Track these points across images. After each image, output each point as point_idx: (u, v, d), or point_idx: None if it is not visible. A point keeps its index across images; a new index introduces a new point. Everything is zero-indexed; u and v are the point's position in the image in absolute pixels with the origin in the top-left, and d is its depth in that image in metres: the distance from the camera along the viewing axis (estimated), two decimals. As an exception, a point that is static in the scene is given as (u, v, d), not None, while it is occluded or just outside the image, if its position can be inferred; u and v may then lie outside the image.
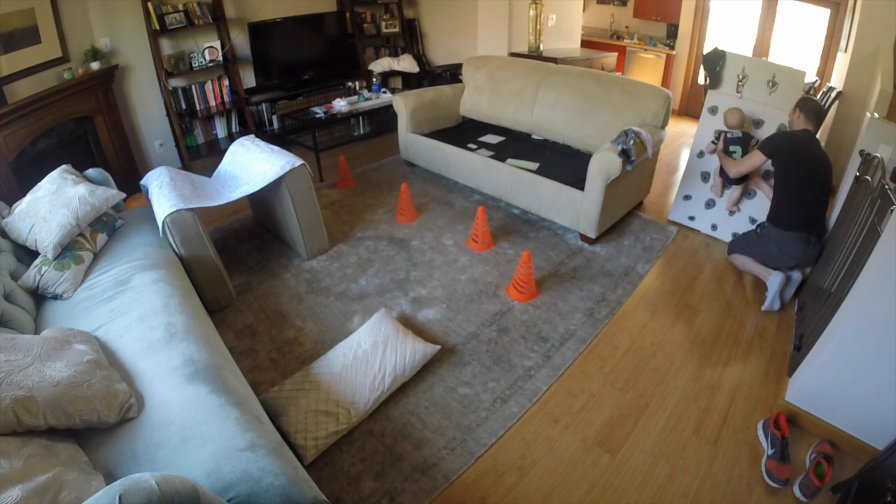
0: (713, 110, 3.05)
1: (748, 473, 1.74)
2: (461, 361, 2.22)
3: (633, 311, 2.57)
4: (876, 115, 2.64)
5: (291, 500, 1.19)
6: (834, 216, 2.68)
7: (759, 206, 2.94)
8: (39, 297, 2.06)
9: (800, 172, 2.41)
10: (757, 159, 2.58)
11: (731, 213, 3.10)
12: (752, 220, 2.99)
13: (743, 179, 2.91)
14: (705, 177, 3.18)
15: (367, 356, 2.02)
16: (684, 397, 2.06)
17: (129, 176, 3.70)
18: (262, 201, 3.04)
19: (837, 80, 4.01)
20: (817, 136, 2.49)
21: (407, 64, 5.31)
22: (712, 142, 2.98)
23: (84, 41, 3.45)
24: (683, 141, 4.96)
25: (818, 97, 3.84)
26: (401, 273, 2.83)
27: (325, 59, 4.93)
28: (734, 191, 3.01)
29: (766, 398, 2.05)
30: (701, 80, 5.64)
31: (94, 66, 3.44)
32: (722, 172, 2.95)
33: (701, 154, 3.15)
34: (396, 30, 5.35)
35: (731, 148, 2.85)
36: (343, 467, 1.76)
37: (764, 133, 2.84)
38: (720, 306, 2.61)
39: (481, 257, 2.98)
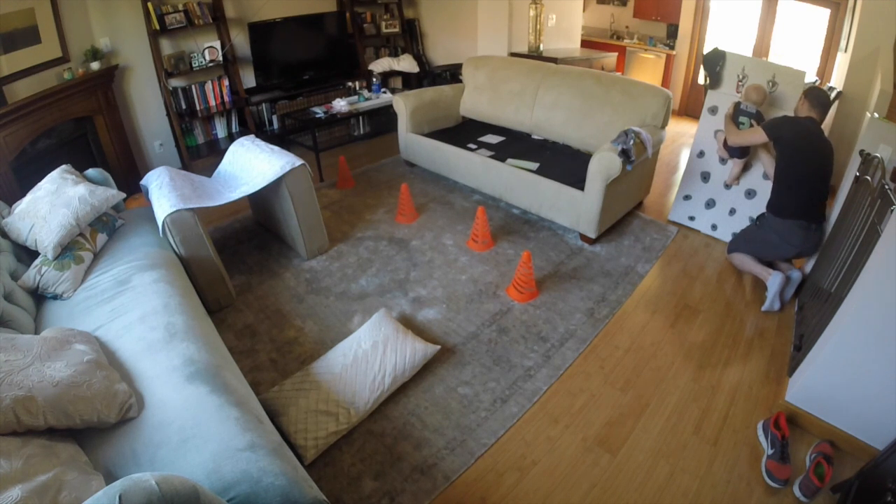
0: (713, 110, 3.05)
1: (748, 473, 1.75)
2: (461, 361, 2.22)
3: (633, 311, 2.57)
4: (876, 115, 2.64)
5: (291, 500, 1.19)
6: (834, 216, 2.67)
7: (760, 206, 2.93)
8: (39, 297, 2.06)
9: (802, 162, 2.41)
10: (758, 136, 2.56)
11: (729, 187, 3.07)
12: (752, 220, 2.99)
13: (745, 153, 2.88)
14: (705, 177, 3.18)
15: (367, 356, 2.02)
16: (684, 397, 2.06)
17: (129, 176, 3.70)
18: (262, 201, 3.04)
19: (837, 79, 4.01)
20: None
21: (407, 64, 5.31)
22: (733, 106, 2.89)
23: (84, 41, 3.45)
24: (683, 141, 4.96)
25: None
26: (401, 273, 2.83)
27: (325, 59, 4.93)
28: (735, 165, 2.97)
29: (766, 398, 2.05)
30: (701, 80, 5.63)
31: (94, 66, 3.44)
32: (726, 143, 2.89)
33: (701, 154, 3.15)
34: (396, 30, 5.35)
35: (741, 118, 2.79)
36: (343, 467, 1.76)
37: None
38: (720, 306, 2.61)
39: (481, 257, 2.98)
